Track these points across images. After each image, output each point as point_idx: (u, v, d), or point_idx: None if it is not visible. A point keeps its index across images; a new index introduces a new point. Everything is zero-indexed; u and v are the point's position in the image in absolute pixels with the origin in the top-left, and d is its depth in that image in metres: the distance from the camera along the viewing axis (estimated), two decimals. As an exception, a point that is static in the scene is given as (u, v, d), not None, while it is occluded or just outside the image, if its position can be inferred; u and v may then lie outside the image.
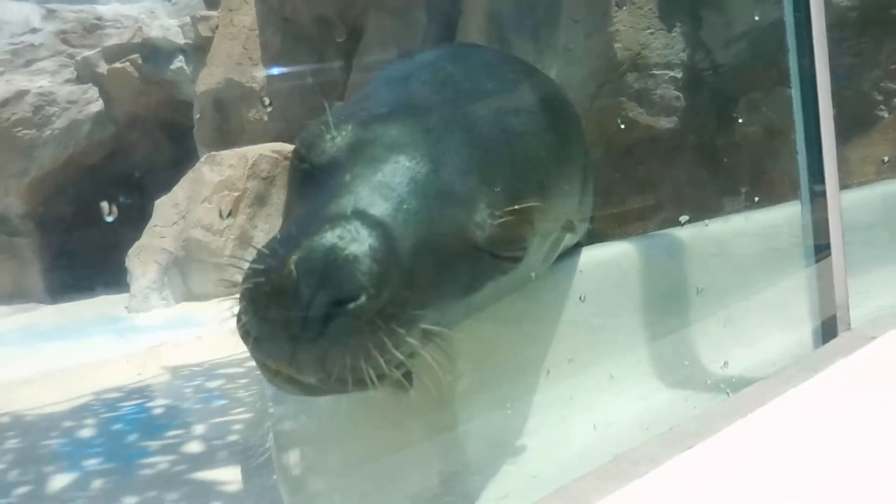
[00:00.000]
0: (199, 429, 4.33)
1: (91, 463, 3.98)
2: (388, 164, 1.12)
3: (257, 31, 10.13)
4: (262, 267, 1.00)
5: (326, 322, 0.96)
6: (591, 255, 1.56)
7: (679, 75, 4.17)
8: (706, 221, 1.74)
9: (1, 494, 3.65)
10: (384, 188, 1.09)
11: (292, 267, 0.98)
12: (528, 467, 1.32)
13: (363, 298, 0.98)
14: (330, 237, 1.00)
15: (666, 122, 4.52)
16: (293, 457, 1.59)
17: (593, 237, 1.68)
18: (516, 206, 1.16)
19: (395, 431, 1.45)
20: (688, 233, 1.72)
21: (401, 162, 1.12)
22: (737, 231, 1.78)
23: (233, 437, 4.13)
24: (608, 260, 1.58)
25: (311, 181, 1.17)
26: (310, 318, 0.96)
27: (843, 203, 1.50)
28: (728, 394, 1.32)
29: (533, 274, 1.34)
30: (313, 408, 1.54)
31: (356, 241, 1.00)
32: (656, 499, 0.93)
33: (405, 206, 1.08)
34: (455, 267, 1.13)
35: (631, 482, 0.94)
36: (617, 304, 1.58)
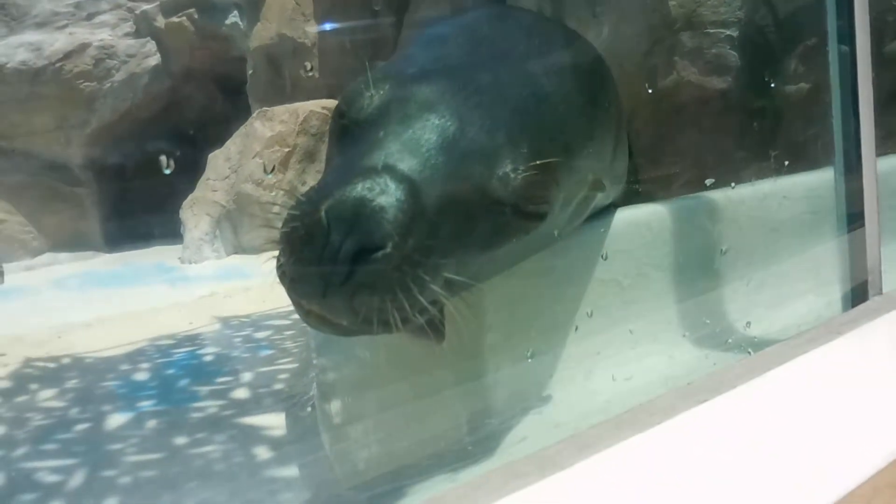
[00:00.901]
0: (246, 376, 4.45)
1: (145, 405, 4.14)
2: (418, 121, 1.17)
3: (310, -10, 10.13)
4: (298, 213, 1.07)
5: (355, 266, 1.02)
6: (623, 216, 1.59)
7: (735, 34, 4.05)
8: (734, 185, 1.74)
9: (62, 430, 3.79)
10: (413, 144, 1.14)
11: (323, 214, 1.04)
12: (550, 416, 1.37)
13: (389, 246, 1.03)
14: (360, 188, 1.05)
15: (719, 83, 4.39)
16: (333, 404, 1.66)
17: (637, 199, 1.71)
18: (538, 162, 1.20)
19: (426, 379, 1.51)
20: (719, 195, 1.73)
21: (431, 120, 1.17)
22: (767, 194, 1.77)
23: (278, 386, 4.23)
24: (639, 220, 1.61)
25: (349, 136, 1.23)
26: (340, 263, 1.02)
27: (881, 169, 1.49)
28: (750, 353, 1.34)
29: (556, 232, 1.37)
30: (353, 359, 1.61)
31: (384, 193, 1.05)
32: (668, 447, 0.97)
33: (432, 162, 1.13)
34: (479, 221, 1.18)
35: (644, 431, 0.98)
36: (646, 263, 1.60)
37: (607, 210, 1.60)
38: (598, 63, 1.58)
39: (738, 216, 1.71)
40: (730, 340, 1.54)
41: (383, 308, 1.05)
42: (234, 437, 3.44)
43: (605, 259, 1.51)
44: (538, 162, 1.20)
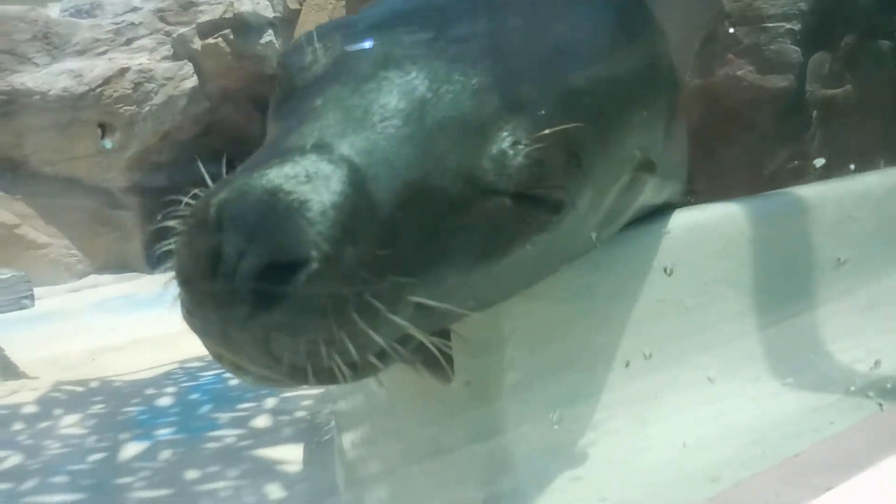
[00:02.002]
0: (269, 402, 4.28)
1: (162, 433, 4.01)
2: (371, 81, 0.85)
3: (343, 2, 10.03)
4: (190, 215, 0.76)
5: (263, 291, 0.71)
6: (683, 218, 1.23)
7: (797, 27, 3.70)
8: (839, 178, 1.37)
9: (75, 461, 3.67)
10: (362, 112, 0.82)
11: (213, 213, 0.72)
12: (593, 488, 1.02)
13: (315, 258, 0.71)
14: (273, 175, 0.74)
15: (780, 81, 4.03)
16: (347, 440, 1.48)
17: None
18: (549, 131, 0.87)
19: (438, 429, 1.19)
20: (816, 191, 1.36)
21: (389, 77, 0.84)
22: (887, 188, 1.39)
23: (300, 413, 4.06)
24: (706, 224, 1.25)
25: (285, 110, 0.91)
26: (238, 286, 0.70)
27: None
28: (881, 406, 0.97)
29: (594, 235, 1.02)
30: (366, 390, 1.37)
31: (309, 181, 0.74)
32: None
33: (389, 135, 0.81)
34: (465, 220, 0.85)
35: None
36: (717, 279, 1.25)
37: (661, 212, 1.25)
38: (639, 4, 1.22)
39: (859, 214, 1.32)
40: (851, 387, 1.15)
41: (314, 352, 0.74)
42: (247, 472, 3.25)
43: (664, 274, 1.16)
44: (549, 130, 0.87)
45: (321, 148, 0.77)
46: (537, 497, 1.04)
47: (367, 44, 0.89)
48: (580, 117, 0.92)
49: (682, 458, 1.07)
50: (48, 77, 11.29)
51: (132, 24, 12.58)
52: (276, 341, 0.73)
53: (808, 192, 1.36)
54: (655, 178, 1.14)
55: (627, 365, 1.16)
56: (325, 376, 0.77)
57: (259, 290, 0.70)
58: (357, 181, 0.76)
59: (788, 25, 4.04)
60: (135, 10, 12.66)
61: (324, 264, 0.71)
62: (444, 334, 0.98)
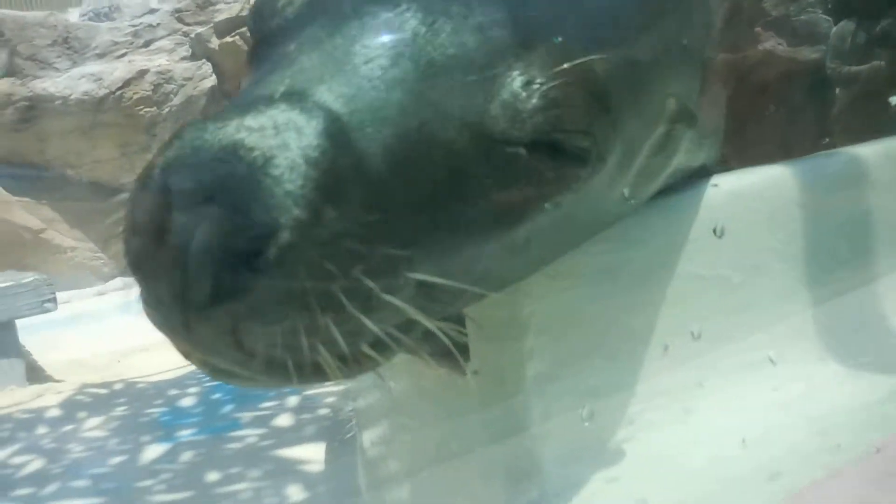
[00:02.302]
0: (291, 401, 4.20)
1: (184, 434, 3.99)
2: (353, 18, 0.71)
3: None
4: (140, 179, 0.63)
5: (224, 270, 0.57)
6: (725, 183, 1.09)
7: (829, -5, 3.53)
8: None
9: (97, 464, 3.64)
10: (342, 53, 0.69)
11: (158, 175, 0.60)
12: (631, 490, 0.89)
13: (286, 227, 0.58)
14: (232, 128, 0.61)
15: (811, 53, 3.84)
16: (368, 438, 1.39)
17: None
18: (568, 65, 0.74)
19: (457, 426, 1.07)
20: (876, 149, 1.21)
21: (375, 12, 0.71)
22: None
23: (323, 411, 3.97)
24: (750, 189, 1.10)
25: (256, 60, 0.78)
26: (194, 266, 0.57)
27: None
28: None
29: (626, 191, 0.88)
30: (384, 387, 1.27)
31: (278, 134, 0.60)
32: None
33: (375, 77, 0.67)
34: (473, 177, 0.72)
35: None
36: (765, 250, 1.10)
37: (697, 178, 1.11)
38: None
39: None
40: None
41: (293, 344, 0.60)
42: (269, 473, 3.16)
43: (707, 244, 1.02)
44: (568, 64, 0.74)
45: (293, 95, 0.64)
46: (568, 501, 0.91)
47: None
48: (605, 49, 0.78)
49: (735, 452, 0.93)
50: (69, 81, 11.36)
51: (150, 25, 12.61)
52: (246, 332, 0.60)
53: (867, 150, 1.21)
54: (693, 135, 1.00)
55: (666, 349, 1.02)
56: (310, 373, 0.64)
57: (218, 270, 0.57)
58: (337, 132, 0.63)
59: (819, -5, 3.83)
60: (152, 11, 12.70)
61: (297, 233, 0.58)
62: (459, 320, 0.86)
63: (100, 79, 11.68)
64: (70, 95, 11.15)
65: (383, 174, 0.65)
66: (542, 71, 0.74)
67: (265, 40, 0.77)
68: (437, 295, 0.71)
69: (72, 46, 11.14)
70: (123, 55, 12.75)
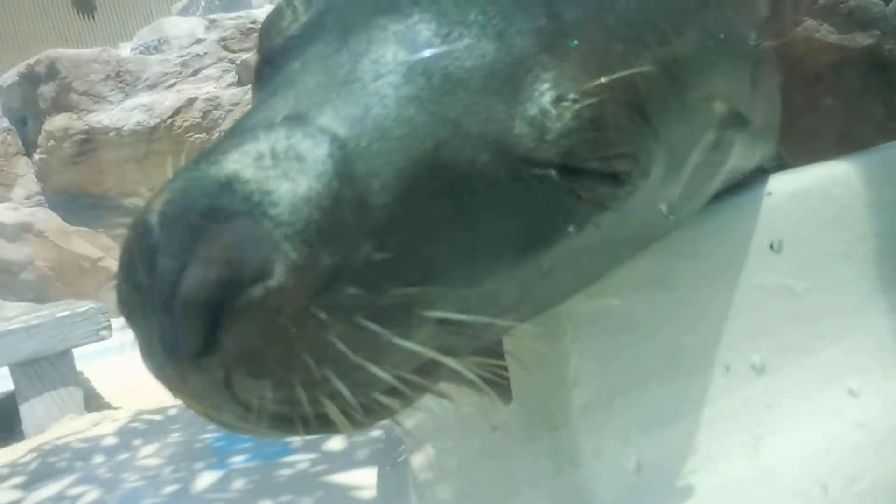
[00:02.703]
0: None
1: (237, 460, 4.00)
2: (361, 31, 0.65)
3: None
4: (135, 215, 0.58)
5: (212, 320, 0.52)
6: (783, 185, 0.99)
7: (879, -22, 3.36)
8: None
9: (151, 494, 3.67)
10: (349, 70, 0.62)
11: (151, 217, 0.55)
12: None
13: (279, 272, 0.52)
14: (226, 159, 0.55)
15: (864, 39, 3.65)
16: (418, 463, 1.32)
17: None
18: (604, 80, 0.65)
19: (504, 460, 1.00)
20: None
21: (384, 24, 0.64)
22: None
23: (375, 433, 3.91)
24: (811, 189, 1.00)
25: (260, 82, 0.73)
26: (181, 314, 0.52)
27: None
28: None
29: (664, 209, 0.79)
30: (430, 409, 1.21)
31: (277, 164, 0.55)
32: None
33: (385, 96, 0.61)
34: (497, 202, 0.64)
35: None
36: (831, 254, 1.00)
37: (752, 180, 1.01)
38: None
39: None
40: None
41: (292, 399, 0.55)
42: (319, 501, 3.12)
43: (766, 251, 0.93)
44: (605, 78, 0.66)
45: (294, 120, 0.58)
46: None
47: None
48: (646, 55, 0.70)
49: (814, 488, 0.83)
50: (122, 113, 11.70)
51: (197, 55, 12.93)
52: (240, 385, 0.55)
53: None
54: (746, 136, 0.90)
55: (728, 370, 0.92)
56: (318, 425, 0.58)
57: (205, 318, 0.52)
58: (343, 159, 0.57)
59: (866, -24, 3.66)
60: (199, 41, 13.03)
61: (292, 277, 0.53)
62: (493, 351, 0.78)
63: (151, 109, 12.01)
64: (123, 126, 11.49)
65: (395, 204, 0.58)
66: (575, 85, 0.65)
67: (270, 60, 0.72)
68: (463, 330, 0.64)
69: (124, 79, 11.47)
70: (173, 85, 13.11)
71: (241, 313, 0.52)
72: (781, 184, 0.99)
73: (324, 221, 0.54)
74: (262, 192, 0.54)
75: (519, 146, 0.64)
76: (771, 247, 0.91)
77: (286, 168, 0.55)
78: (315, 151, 0.56)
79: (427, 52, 0.63)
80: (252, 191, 0.54)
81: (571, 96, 0.65)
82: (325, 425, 0.59)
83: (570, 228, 0.68)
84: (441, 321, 0.61)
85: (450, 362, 0.62)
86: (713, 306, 0.93)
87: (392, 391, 0.60)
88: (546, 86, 0.65)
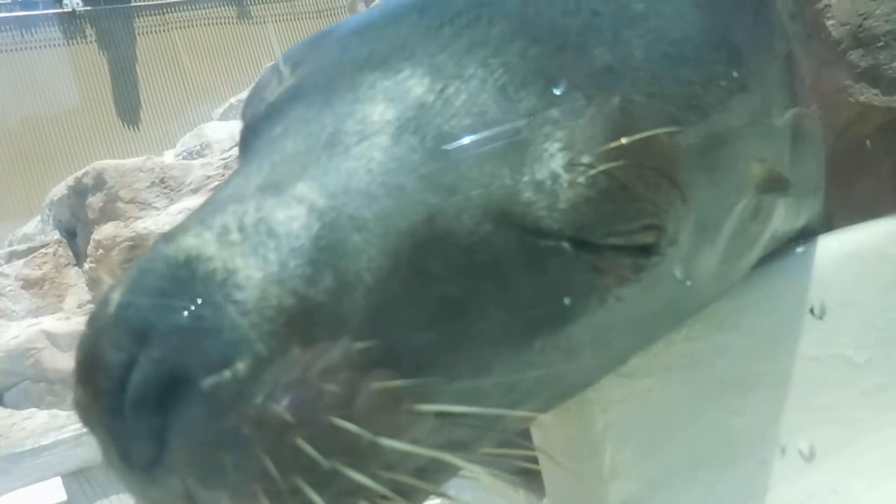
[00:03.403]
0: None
1: None
2: (346, 90, 0.59)
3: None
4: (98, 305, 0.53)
5: (161, 425, 0.47)
6: (835, 245, 0.91)
7: (921, 38, 3.28)
8: None
9: None
10: (331, 133, 0.56)
11: (109, 306, 0.50)
12: None
13: (239, 367, 0.46)
14: (188, 238, 0.50)
15: (910, 99, 3.56)
16: None
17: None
18: (624, 140, 0.58)
19: None
20: None
21: (371, 82, 0.59)
22: None
23: None
24: (867, 248, 0.92)
25: (242, 152, 0.69)
26: (131, 419, 0.47)
27: None
28: None
29: (699, 278, 0.69)
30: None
31: (244, 241, 0.49)
32: None
33: (371, 160, 0.55)
34: (500, 279, 0.57)
35: None
36: (892, 320, 0.91)
37: (800, 244, 0.93)
38: None
39: None
40: None
41: None
42: None
43: (815, 317, 0.84)
44: (625, 139, 0.58)
45: (268, 189, 0.53)
46: None
47: (343, 47, 0.65)
48: (671, 117, 0.63)
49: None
50: (167, 217, 12.06)
51: (237, 157, 13.39)
52: (200, 497, 0.48)
53: None
54: (790, 199, 0.83)
55: (784, 453, 0.83)
56: None
57: (154, 424, 0.47)
58: (321, 233, 0.51)
59: (908, 40, 3.61)
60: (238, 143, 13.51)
61: (255, 372, 0.46)
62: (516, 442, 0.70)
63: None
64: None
65: (382, 285, 0.52)
66: (591, 146, 0.58)
67: (252, 128, 0.67)
68: (471, 423, 0.57)
69: (168, 185, 11.88)
70: (216, 187, 13.52)
71: (190, 410, 0.46)
72: (832, 245, 0.91)
73: (296, 308, 0.48)
74: (225, 272, 0.48)
75: (526, 216, 0.57)
76: (812, 312, 0.83)
77: (255, 243, 0.50)
78: (289, 224, 0.51)
79: (418, 110, 0.57)
80: (214, 270, 0.48)
81: (586, 160, 0.58)
82: None
83: (590, 305, 0.61)
84: (441, 414, 0.54)
85: (454, 460, 0.55)
86: (763, 383, 0.84)
87: (385, 497, 0.52)
88: (556, 146, 0.58)
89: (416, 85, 0.58)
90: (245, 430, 0.47)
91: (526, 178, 0.58)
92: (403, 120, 0.57)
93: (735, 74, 0.72)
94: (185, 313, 0.47)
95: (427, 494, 0.58)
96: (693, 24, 0.69)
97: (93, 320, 0.52)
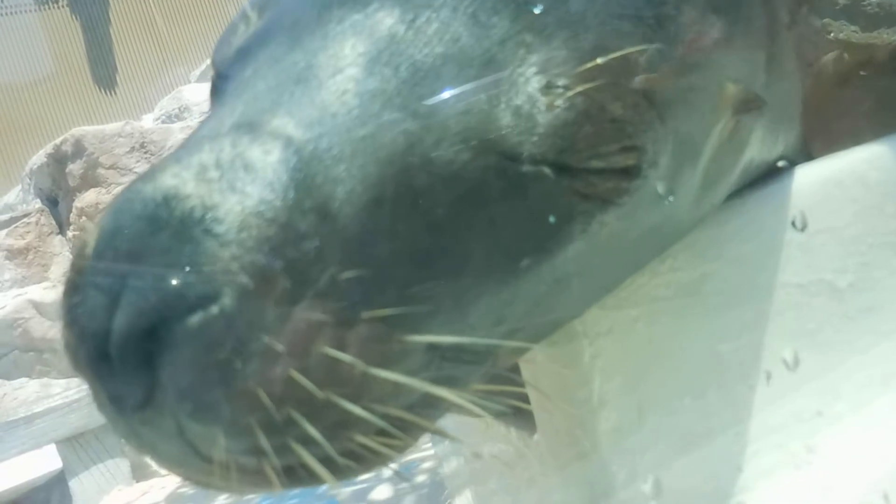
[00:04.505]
0: (388, 471, 4.06)
1: None
2: (316, 27, 0.58)
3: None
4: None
5: (148, 360, 0.47)
6: (815, 172, 0.92)
7: (899, -28, 3.27)
8: None
9: None
10: (304, 69, 0.56)
11: (88, 246, 0.50)
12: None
13: (225, 298, 0.46)
14: (166, 176, 0.50)
15: (891, 35, 3.54)
16: None
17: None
18: (599, 60, 0.58)
19: (543, 495, 0.93)
20: None
21: (342, 17, 0.58)
22: None
23: (421, 477, 3.82)
24: (847, 174, 0.92)
25: (215, 97, 0.68)
26: (118, 358, 0.47)
27: None
28: None
29: (681, 199, 0.70)
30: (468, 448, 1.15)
31: (222, 176, 0.49)
32: None
33: (345, 92, 0.54)
34: (482, 207, 0.57)
35: None
36: (874, 246, 0.92)
37: (779, 171, 0.93)
38: None
39: None
40: None
41: (256, 448, 0.48)
42: None
43: (798, 246, 0.85)
44: (601, 59, 0.58)
45: (242, 127, 0.53)
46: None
47: None
48: (645, 36, 0.62)
49: (875, 495, 0.74)
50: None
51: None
52: (194, 434, 0.49)
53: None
54: (766, 122, 0.83)
55: (770, 377, 0.85)
56: (297, 477, 0.52)
57: (146, 360, 0.47)
58: (299, 165, 0.51)
59: (886, -25, 3.60)
60: (220, 106, 13.37)
61: (241, 303, 0.47)
62: (507, 377, 0.71)
63: (178, 177, 12.29)
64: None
65: (363, 214, 0.52)
66: (567, 68, 0.58)
67: (222, 73, 0.66)
68: (462, 357, 0.57)
69: (148, 150, 11.74)
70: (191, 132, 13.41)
71: (179, 347, 0.46)
72: (812, 172, 0.91)
73: (278, 238, 0.48)
74: (204, 208, 0.48)
75: (505, 142, 0.57)
76: (793, 224, 0.83)
77: (233, 179, 0.49)
78: (266, 158, 0.51)
79: (390, 41, 0.57)
80: (193, 207, 0.48)
81: (563, 82, 0.58)
82: (304, 477, 0.52)
83: (574, 231, 0.61)
84: (431, 347, 0.54)
85: (446, 394, 0.55)
86: (748, 310, 0.85)
87: (381, 433, 0.53)
88: (532, 70, 0.57)
89: (385, 16, 0.58)
90: (236, 363, 0.47)
91: (503, 104, 0.57)
92: (375, 52, 0.56)
93: (707, 16, 0.71)
94: (165, 251, 0.47)
95: (422, 430, 0.59)
96: None
97: (73, 265, 0.51)
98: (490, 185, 0.57)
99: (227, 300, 0.47)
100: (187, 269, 0.47)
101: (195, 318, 0.46)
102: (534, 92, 0.57)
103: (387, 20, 0.57)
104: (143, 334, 0.46)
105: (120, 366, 0.47)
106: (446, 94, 0.56)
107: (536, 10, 0.58)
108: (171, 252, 0.47)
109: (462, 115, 0.56)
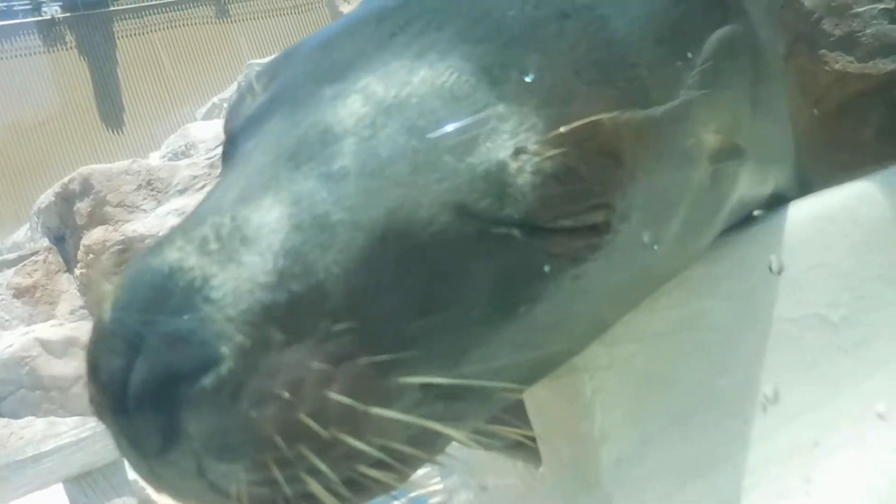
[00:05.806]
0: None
1: None
2: (309, 102, 0.64)
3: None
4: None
5: (164, 411, 0.53)
6: (803, 210, 0.95)
7: (892, 5, 3.32)
8: None
9: None
10: (296, 144, 0.62)
11: (99, 318, 0.56)
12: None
13: (226, 357, 0.52)
14: (169, 249, 0.56)
15: (887, 64, 3.58)
16: None
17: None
18: (563, 129, 0.62)
19: None
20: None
21: (332, 95, 0.64)
22: None
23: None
24: (837, 209, 0.96)
25: (224, 164, 0.74)
26: (136, 410, 0.53)
27: None
28: None
29: (663, 246, 0.72)
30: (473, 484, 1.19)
31: (221, 248, 0.55)
32: None
33: (334, 164, 0.60)
34: (461, 265, 0.62)
35: None
36: (865, 279, 0.95)
37: (772, 209, 0.96)
38: None
39: None
40: None
41: (269, 480, 0.54)
42: None
43: (800, 276, 0.88)
44: (565, 127, 0.62)
45: (242, 200, 0.58)
46: None
47: (306, 61, 0.70)
48: (614, 98, 0.66)
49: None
50: (156, 220, 12.05)
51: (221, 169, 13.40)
52: (214, 472, 0.54)
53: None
54: (753, 165, 0.86)
55: (766, 410, 0.87)
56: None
57: (157, 411, 0.53)
58: (290, 234, 0.56)
59: (882, 6, 3.66)
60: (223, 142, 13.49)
61: (241, 360, 0.52)
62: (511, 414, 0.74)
63: (184, 212, 12.36)
64: (159, 233, 11.79)
65: (351, 275, 0.57)
66: (535, 135, 0.62)
67: (232, 141, 0.72)
68: (455, 395, 0.62)
69: (155, 187, 11.86)
70: (203, 187, 13.49)
71: (197, 403, 0.52)
72: (803, 209, 0.95)
73: (271, 299, 0.54)
74: (203, 279, 0.53)
75: (478, 206, 0.61)
76: (770, 269, 0.87)
77: (231, 250, 0.55)
78: (261, 230, 0.56)
79: (376, 115, 0.62)
80: (194, 278, 0.54)
81: (531, 148, 0.62)
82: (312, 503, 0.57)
83: (550, 288, 0.65)
84: (425, 386, 0.59)
85: (440, 428, 0.60)
86: (743, 344, 0.88)
87: (381, 463, 0.58)
88: (503, 137, 0.62)
89: (371, 93, 0.63)
90: (245, 410, 0.52)
91: (476, 170, 0.61)
92: (361, 126, 0.62)
93: (682, 57, 0.75)
94: (170, 319, 0.53)
95: (421, 461, 0.63)
96: (637, 8, 0.73)
97: (94, 329, 0.57)
98: (467, 247, 0.61)
99: (229, 359, 0.52)
100: (187, 335, 0.52)
101: (202, 375, 0.52)
102: (505, 158, 0.62)
103: (372, 96, 0.63)
104: (155, 391, 0.52)
105: (139, 418, 0.53)
106: (424, 164, 0.61)
107: (508, 81, 0.63)
108: (173, 321, 0.53)
109: (438, 181, 0.61)
